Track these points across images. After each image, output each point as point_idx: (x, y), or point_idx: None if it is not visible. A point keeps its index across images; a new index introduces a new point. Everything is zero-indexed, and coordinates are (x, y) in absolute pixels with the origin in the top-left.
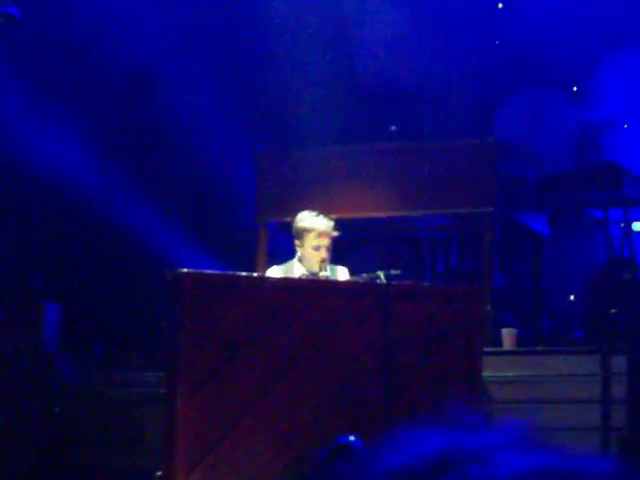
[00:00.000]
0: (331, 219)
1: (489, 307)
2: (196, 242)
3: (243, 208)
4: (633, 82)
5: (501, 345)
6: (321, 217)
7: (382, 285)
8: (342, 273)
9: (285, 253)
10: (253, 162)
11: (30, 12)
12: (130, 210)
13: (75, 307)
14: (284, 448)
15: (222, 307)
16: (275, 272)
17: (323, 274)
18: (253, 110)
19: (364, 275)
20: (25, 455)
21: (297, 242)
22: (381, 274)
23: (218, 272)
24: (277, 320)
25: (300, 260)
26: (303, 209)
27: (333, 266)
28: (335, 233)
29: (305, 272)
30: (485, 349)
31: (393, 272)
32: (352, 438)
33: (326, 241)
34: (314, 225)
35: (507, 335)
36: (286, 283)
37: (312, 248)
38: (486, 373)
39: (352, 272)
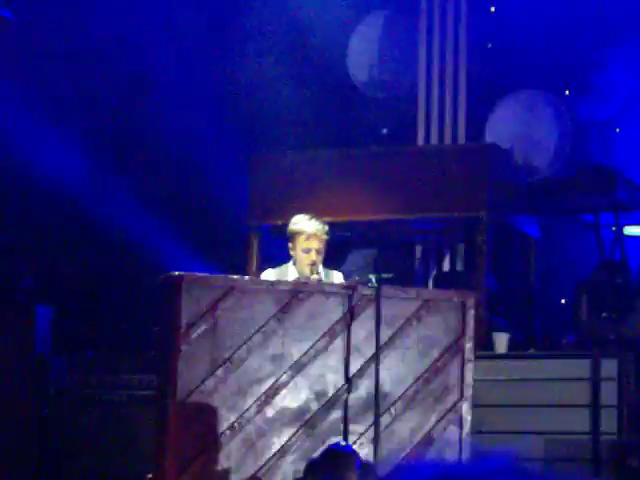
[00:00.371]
0: (324, 222)
1: (481, 310)
2: (188, 245)
3: (236, 211)
4: (626, 84)
5: (493, 348)
6: (313, 220)
7: (373, 288)
8: (337, 277)
9: (278, 256)
10: (246, 165)
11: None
12: (122, 213)
13: (66, 310)
14: (277, 450)
15: (214, 309)
16: (270, 275)
17: (314, 277)
18: (246, 114)
19: (356, 278)
20: (16, 458)
21: (290, 245)
22: (373, 277)
23: (210, 275)
24: (269, 322)
25: (294, 264)
26: (296, 212)
27: (328, 270)
28: (325, 236)
29: (299, 276)
30: (477, 352)
31: (385, 275)
32: (344, 443)
33: (316, 244)
34: (303, 228)
35: (499, 339)
36: (277, 286)
37: (302, 251)
38: (478, 376)
39: (344, 275)
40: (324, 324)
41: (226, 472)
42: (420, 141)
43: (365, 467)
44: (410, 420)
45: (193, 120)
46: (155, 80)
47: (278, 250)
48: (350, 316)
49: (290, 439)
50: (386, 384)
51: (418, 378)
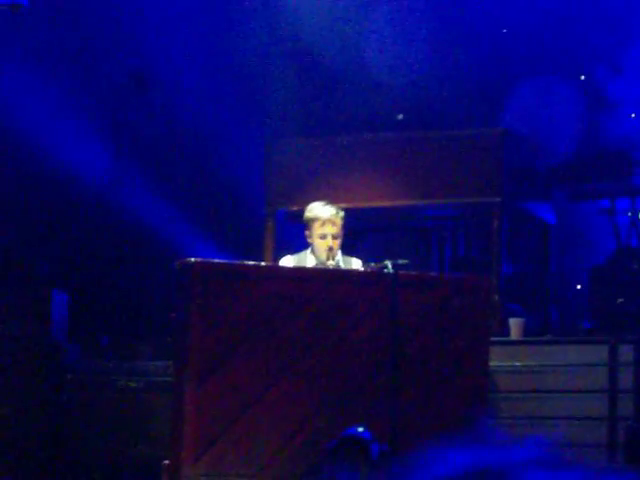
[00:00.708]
0: (340, 209)
1: (497, 296)
2: (204, 231)
3: (251, 197)
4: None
5: (509, 334)
6: (327, 206)
7: (390, 274)
8: (356, 264)
9: (294, 242)
10: (262, 151)
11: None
12: (138, 199)
13: (83, 296)
14: (292, 437)
15: (230, 296)
16: (288, 262)
17: (331, 263)
18: (262, 100)
19: (372, 264)
20: (32, 443)
21: (307, 233)
22: (389, 263)
23: (226, 261)
24: (285, 309)
25: (312, 251)
26: (311, 198)
27: (347, 257)
28: (340, 221)
29: (317, 263)
30: (493, 338)
31: (401, 262)
32: (361, 429)
33: (331, 229)
34: (318, 214)
35: (515, 324)
36: (295, 272)
37: (318, 237)
38: (493, 363)
39: (361, 262)
40: (342, 311)
41: (243, 459)
42: (435, 127)
43: (383, 454)
44: (433, 405)
45: (209, 106)
46: (171, 67)
47: (293, 236)
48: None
49: (309, 423)
50: (407, 370)
51: (435, 364)
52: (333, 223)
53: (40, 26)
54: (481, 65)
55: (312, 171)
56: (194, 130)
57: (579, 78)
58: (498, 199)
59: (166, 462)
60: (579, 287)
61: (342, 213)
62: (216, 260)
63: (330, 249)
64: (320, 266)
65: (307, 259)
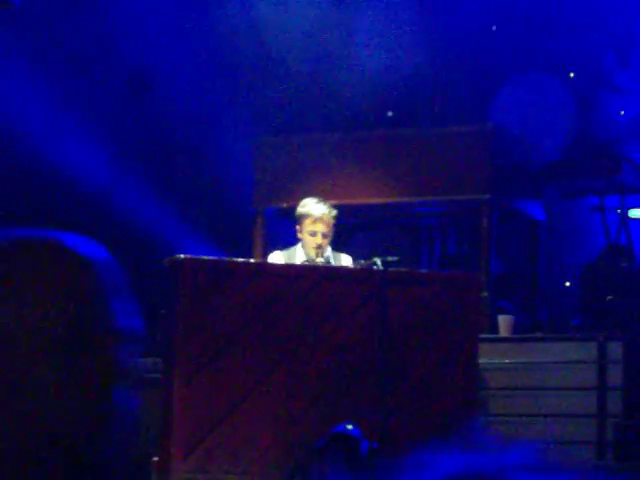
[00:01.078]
0: (332, 207)
1: (486, 294)
2: (194, 228)
3: (241, 194)
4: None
5: (497, 332)
6: (320, 204)
7: (379, 271)
8: (346, 261)
9: (283, 239)
10: (251, 148)
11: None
12: (127, 195)
13: None
14: (281, 434)
15: (220, 293)
16: (277, 258)
17: (319, 260)
18: (251, 97)
19: (361, 261)
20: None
21: (297, 227)
22: (378, 260)
23: (216, 258)
24: (275, 306)
25: (303, 246)
26: (300, 195)
27: (337, 254)
28: (332, 220)
29: (306, 258)
30: (481, 335)
31: (390, 259)
32: (350, 427)
33: (322, 227)
34: (310, 211)
35: (503, 322)
36: (284, 269)
37: (308, 234)
38: (482, 360)
39: (351, 259)
40: (331, 308)
41: (232, 456)
42: (425, 124)
43: (372, 451)
44: (422, 402)
45: (199, 103)
46: (161, 64)
47: (282, 233)
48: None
49: (299, 421)
50: (396, 367)
51: (424, 360)
52: (324, 222)
53: (38, 26)
54: (471, 62)
55: (301, 168)
56: (183, 128)
57: (569, 75)
58: (487, 196)
59: (155, 459)
60: (568, 284)
61: (334, 212)
62: (205, 257)
63: (319, 247)
64: (310, 262)
65: (297, 255)
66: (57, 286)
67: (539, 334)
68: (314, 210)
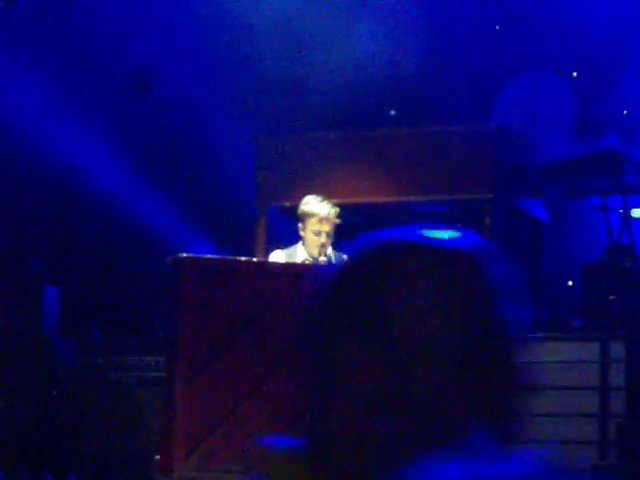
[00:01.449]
0: (335, 206)
1: None
2: (196, 226)
3: (243, 193)
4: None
5: None
6: (325, 203)
7: None
8: None
9: (285, 238)
10: (253, 147)
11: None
12: (130, 194)
13: (75, 291)
14: (283, 433)
15: (222, 291)
16: (278, 256)
17: (322, 259)
18: (254, 95)
19: None
20: (24, 438)
21: (300, 225)
22: None
23: (218, 256)
24: (277, 305)
25: (304, 244)
26: (303, 194)
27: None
28: (337, 220)
29: (308, 257)
30: None
31: None
32: None
33: (327, 227)
34: (316, 210)
35: None
36: (287, 268)
37: (313, 233)
38: None
39: None
40: None
41: (234, 454)
42: (427, 123)
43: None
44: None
45: (201, 101)
46: (163, 63)
47: (285, 232)
48: None
49: (302, 420)
50: None
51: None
52: (329, 222)
53: (41, 26)
54: (474, 61)
55: (303, 167)
56: (186, 127)
57: (572, 75)
58: (490, 195)
59: (157, 457)
60: (571, 284)
61: (338, 211)
62: (208, 255)
63: (322, 246)
64: (312, 260)
65: (297, 253)
66: (452, 290)
67: (541, 334)
68: (320, 210)
